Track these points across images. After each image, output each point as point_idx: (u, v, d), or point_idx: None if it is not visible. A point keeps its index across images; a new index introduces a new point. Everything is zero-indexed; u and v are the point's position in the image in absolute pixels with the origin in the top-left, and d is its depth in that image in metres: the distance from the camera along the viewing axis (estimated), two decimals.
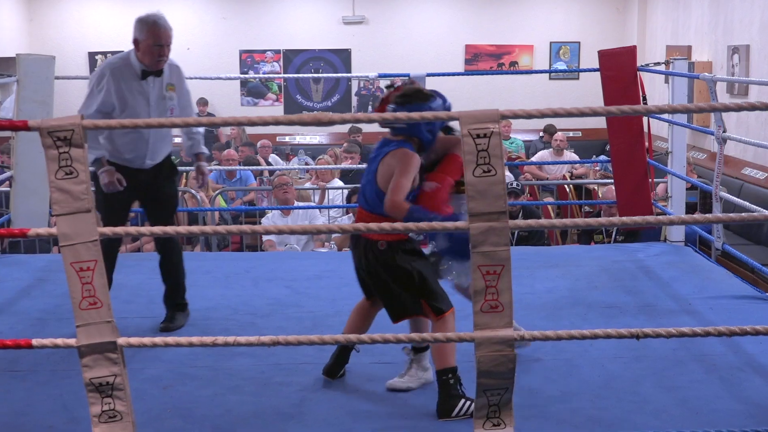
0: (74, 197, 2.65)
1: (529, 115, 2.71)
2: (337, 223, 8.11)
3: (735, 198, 5.92)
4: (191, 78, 7.94)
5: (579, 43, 14.66)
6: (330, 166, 9.52)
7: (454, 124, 3.88)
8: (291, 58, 14.55)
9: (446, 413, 3.57)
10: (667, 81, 7.94)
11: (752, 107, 2.77)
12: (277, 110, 14.59)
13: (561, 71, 14.59)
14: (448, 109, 3.66)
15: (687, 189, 6.66)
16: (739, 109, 2.81)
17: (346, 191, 8.54)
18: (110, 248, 4.44)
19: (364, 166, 9.72)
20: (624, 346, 4.29)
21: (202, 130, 4.94)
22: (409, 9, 14.66)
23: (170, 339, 2.83)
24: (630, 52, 6.40)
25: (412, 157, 3.56)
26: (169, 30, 4.49)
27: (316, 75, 12.47)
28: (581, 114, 2.74)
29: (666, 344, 4.26)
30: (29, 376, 4.06)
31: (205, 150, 4.92)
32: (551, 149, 11.49)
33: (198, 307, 5.05)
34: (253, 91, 14.78)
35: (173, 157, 5.01)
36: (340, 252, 7.12)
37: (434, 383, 3.70)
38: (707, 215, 2.82)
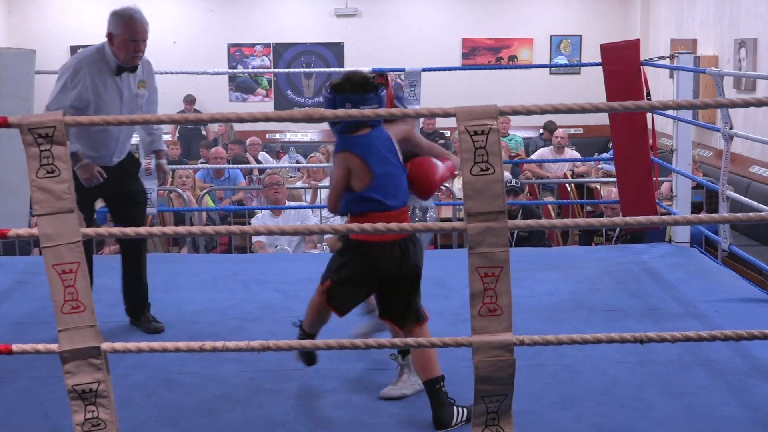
0: (56, 197, 2.65)
1: (528, 111, 2.71)
2: (330, 223, 8.11)
3: (742, 197, 5.93)
4: (177, 73, 8.02)
5: (580, 36, 14.68)
6: (322, 165, 9.53)
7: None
8: (281, 52, 14.55)
9: (445, 423, 3.57)
10: (671, 76, 7.96)
11: (760, 103, 2.78)
12: (267, 106, 14.57)
13: (562, 66, 14.60)
14: (381, 102, 3.52)
15: (692, 188, 6.67)
16: (746, 105, 2.82)
17: None
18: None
19: None
20: (627, 350, 4.29)
21: (163, 126, 4.96)
22: (404, 1, 14.68)
23: (156, 344, 2.83)
24: (633, 45, 6.42)
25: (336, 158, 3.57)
26: (145, 25, 4.49)
27: (307, 70, 12.49)
28: (583, 110, 2.74)
29: (671, 349, 4.26)
30: (9, 383, 4.05)
31: (164, 147, 4.97)
32: (552, 147, 11.51)
33: (185, 311, 5.05)
34: (241, 86, 14.77)
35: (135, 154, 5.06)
36: (332, 254, 7.12)
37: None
38: (713, 215, 2.83)
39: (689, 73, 6.41)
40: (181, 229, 2.86)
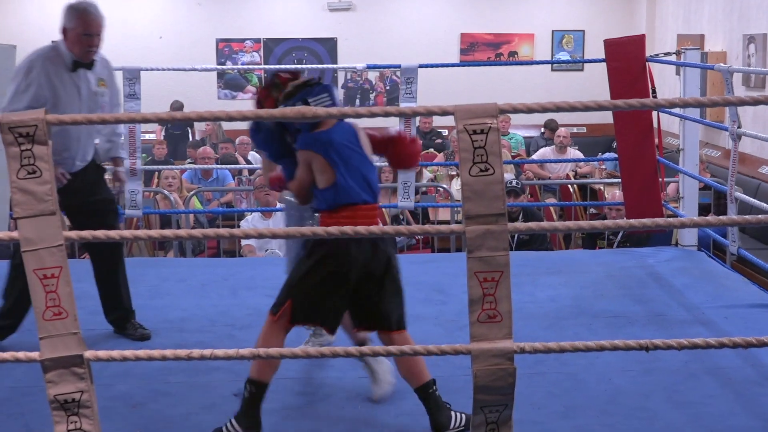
0: (38, 198, 2.64)
1: (529, 110, 2.72)
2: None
3: (751, 198, 5.94)
4: (163, 69, 8.01)
5: (583, 31, 14.70)
6: None
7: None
8: (272, 47, 14.55)
9: (444, 426, 3.59)
10: (678, 72, 7.97)
11: None
12: None
13: (564, 62, 14.62)
14: (330, 90, 3.62)
15: (700, 189, 6.68)
16: (755, 102, 2.83)
17: None
18: None
19: None
20: (632, 358, 4.30)
21: (122, 133, 4.93)
22: None
23: (141, 352, 2.82)
24: (638, 41, 6.43)
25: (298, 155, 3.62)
26: (100, 18, 4.46)
27: (299, 66, 12.44)
28: (586, 108, 2.75)
29: (677, 356, 4.28)
30: None
31: (122, 154, 4.93)
32: (554, 146, 11.52)
33: (172, 317, 5.05)
34: (231, 83, 14.77)
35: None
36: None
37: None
38: (721, 217, 2.83)
39: (696, 70, 6.42)
40: (167, 232, 2.86)
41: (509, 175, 8.57)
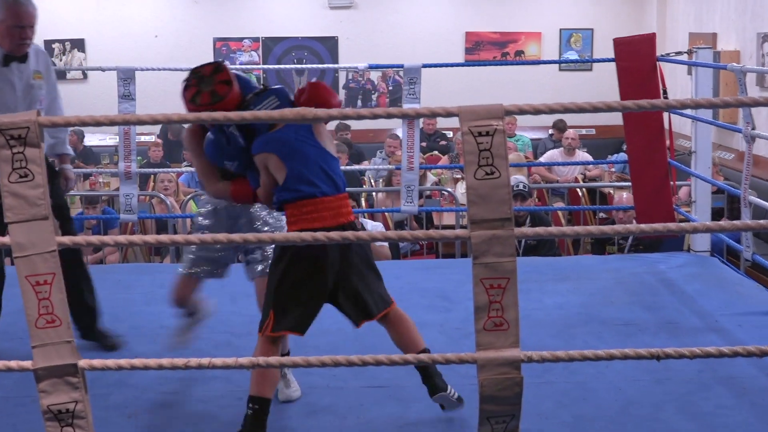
0: (29, 203, 2.64)
1: (536, 111, 2.72)
2: None
3: (766, 203, 5.94)
4: (159, 69, 8.01)
5: (592, 30, 14.70)
6: None
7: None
8: (271, 46, 14.56)
9: (441, 389, 3.77)
10: (690, 72, 7.97)
11: None
12: None
13: (572, 62, 14.61)
14: (278, 92, 3.80)
15: (712, 193, 6.68)
16: None
17: None
18: None
19: (354, 167, 9.75)
20: (643, 367, 4.30)
21: (67, 128, 4.86)
22: None
23: (137, 361, 2.82)
24: (649, 40, 6.43)
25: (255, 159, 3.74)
26: (32, 9, 4.43)
27: (299, 66, 12.46)
28: (594, 109, 2.75)
29: (690, 366, 4.27)
30: None
31: (69, 151, 4.86)
32: (561, 148, 11.51)
33: (168, 325, 5.03)
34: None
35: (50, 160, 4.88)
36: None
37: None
38: (735, 222, 2.83)
39: (709, 70, 6.43)
40: (163, 237, 2.86)
41: (522, 177, 8.53)
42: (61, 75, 14.11)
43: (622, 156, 10.34)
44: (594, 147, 12.94)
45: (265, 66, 14.54)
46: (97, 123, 2.77)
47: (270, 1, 14.61)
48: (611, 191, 9.68)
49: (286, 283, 3.61)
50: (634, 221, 6.96)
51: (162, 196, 8.43)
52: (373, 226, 7.59)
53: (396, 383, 4.18)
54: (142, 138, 12.97)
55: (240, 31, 14.56)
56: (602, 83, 13.40)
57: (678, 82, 12.36)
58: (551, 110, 2.74)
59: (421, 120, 10.33)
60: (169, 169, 10.37)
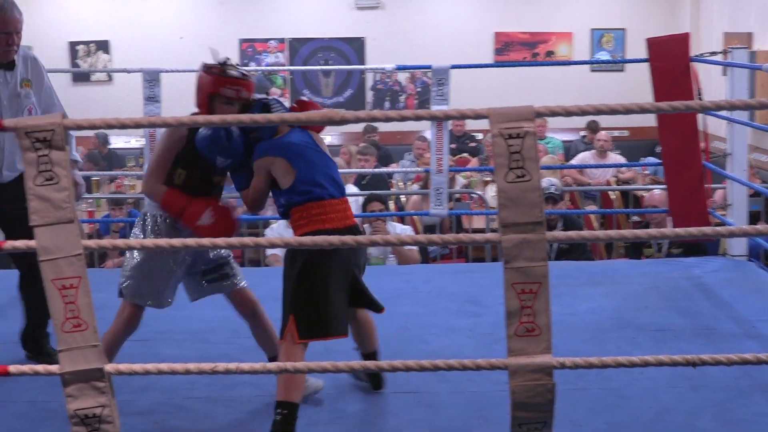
0: (55, 206, 2.66)
1: (567, 113, 2.71)
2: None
3: None
4: (184, 71, 8.04)
5: (624, 30, 14.64)
6: (344, 170, 9.53)
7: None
8: (297, 48, 14.60)
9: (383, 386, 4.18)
10: (725, 73, 7.92)
11: None
12: None
13: (604, 62, 14.56)
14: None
15: (749, 196, 6.63)
16: None
17: (361, 198, 8.55)
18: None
19: (382, 170, 9.75)
20: (679, 374, 4.27)
21: (73, 135, 4.85)
22: None
23: (164, 366, 2.84)
24: (683, 40, 6.40)
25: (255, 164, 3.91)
26: (16, 15, 4.38)
27: (326, 67, 12.53)
28: (627, 111, 2.74)
29: (727, 372, 4.24)
30: (4, 408, 4.08)
31: (77, 157, 4.82)
32: (594, 150, 11.47)
33: (195, 329, 5.07)
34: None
35: None
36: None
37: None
38: None
39: (744, 70, 6.39)
40: (190, 241, 2.88)
41: (555, 180, 8.52)
42: (86, 77, 14.25)
43: (656, 159, 10.29)
44: (627, 149, 12.89)
45: (292, 67, 14.61)
46: (123, 125, 2.79)
47: (296, 2, 14.64)
48: (644, 194, 9.64)
49: (303, 288, 3.75)
50: (668, 220, 6.91)
51: None
52: (402, 230, 7.58)
53: (425, 389, 4.18)
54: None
55: (266, 32, 14.60)
56: (634, 84, 13.33)
57: (713, 83, 12.28)
58: (583, 112, 2.73)
59: (450, 122, 10.33)
60: None
